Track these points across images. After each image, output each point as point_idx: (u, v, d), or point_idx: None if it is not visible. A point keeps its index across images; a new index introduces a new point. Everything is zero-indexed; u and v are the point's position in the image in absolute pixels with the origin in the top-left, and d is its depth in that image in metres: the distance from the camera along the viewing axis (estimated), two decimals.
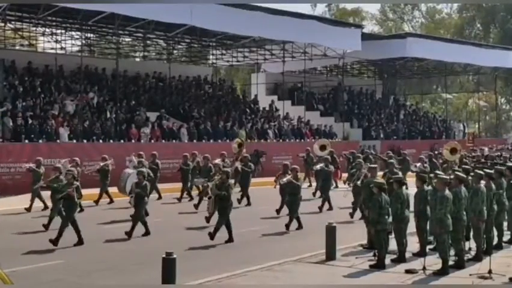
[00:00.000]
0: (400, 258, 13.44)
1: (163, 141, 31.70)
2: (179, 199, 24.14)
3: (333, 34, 37.98)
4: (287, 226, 17.78)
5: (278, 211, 20.18)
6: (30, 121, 27.74)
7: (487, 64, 50.46)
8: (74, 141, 28.43)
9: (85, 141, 28.65)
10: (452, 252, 13.06)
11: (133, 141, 30.37)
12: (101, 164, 23.04)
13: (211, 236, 15.56)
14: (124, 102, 33.37)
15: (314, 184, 26.68)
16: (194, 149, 28.66)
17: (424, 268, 12.49)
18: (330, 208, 21.99)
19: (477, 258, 13.36)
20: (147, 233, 16.52)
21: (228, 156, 25.09)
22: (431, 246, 13.90)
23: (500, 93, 69.13)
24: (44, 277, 12.29)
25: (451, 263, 12.78)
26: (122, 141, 29.94)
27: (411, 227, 13.98)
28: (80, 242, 15.17)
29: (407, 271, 12.60)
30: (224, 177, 16.15)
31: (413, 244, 13.98)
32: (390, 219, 13.28)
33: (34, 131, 27.37)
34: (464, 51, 46.68)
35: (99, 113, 31.52)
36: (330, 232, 13.89)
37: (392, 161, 21.59)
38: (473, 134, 44.19)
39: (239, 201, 23.01)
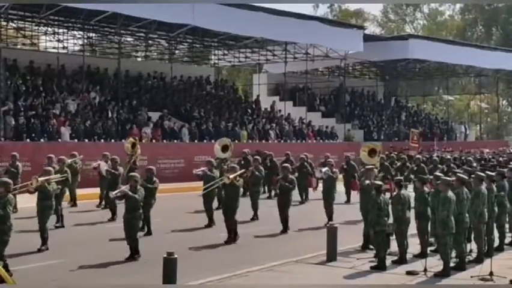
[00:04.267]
0: (401, 260, 13.44)
1: (164, 141, 31.69)
2: None
3: (335, 35, 38.02)
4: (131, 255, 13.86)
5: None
6: (32, 120, 27.76)
7: (489, 66, 50.47)
8: (76, 140, 28.43)
9: (86, 140, 28.65)
10: (453, 254, 13.06)
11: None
12: None
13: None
14: (125, 102, 33.38)
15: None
16: (196, 150, 28.69)
17: (425, 270, 12.48)
18: (210, 224, 18.20)
19: (478, 260, 13.35)
20: None
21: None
22: (432, 248, 13.89)
23: (501, 95, 69.18)
24: (44, 276, 12.29)
25: (452, 264, 12.77)
26: (123, 141, 29.87)
27: (412, 228, 13.99)
28: None
29: (408, 272, 12.59)
30: (1, 190, 12.04)
31: (414, 245, 13.97)
32: (390, 221, 13.29)
33: (36, 130, 27.39)
34: (466, 53, 46.71)
35: (101, 112, 31.54)
36: (331, 233, 13.89)
37: (286, 165, 18.91)
38: (419, 133, 37.00)
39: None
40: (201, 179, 18.41)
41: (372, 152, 20.11)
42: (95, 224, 18.18)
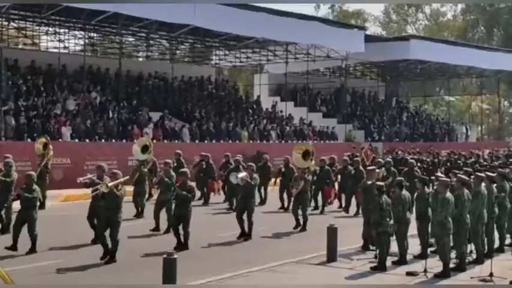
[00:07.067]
0: (401, 261, 13.44)
1: (165, 141, 31.68)
2: None
3: (336, 36, 38.00)
4: None
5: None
6: (32, 120, 27.78)
7: (490, 67, 50.44)
8: (77, 140, 28.46)
9: (87, 140, 28.66)
10: (453, 254, 13.05)
11: (135, 141, 30.32)
12: None
13: None
14: (126, 102, 33.38)
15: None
16: (196, 150, 28.62)
17: (425, 270, 12.48)
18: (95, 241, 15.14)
19: (478, 261, 13.35)
20: None
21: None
22: (432, 249, 13.88)
23: (503, 96, 69.13)
24: (44, 276, 12.28)
25: (452, 265, 12.77)
26: (124, 140, 29.93)
27: (413, 229, 13.98)
28: None
29: (408, 273, 12.59)
30: None
31: (414, 246, 13.97)
32: (391, 222, 13.28)
33: (37, 130, 27.38)
34: (467, 54, 46.66)
35: (101, 112, 31.55)
36: (332, 233, 13.88)
37: (184, 170, 16.20)
38: (371, 149, 31.91)
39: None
40: (87, 187, 15.15)
41: (306, 154, 18.72)
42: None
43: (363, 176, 21.20)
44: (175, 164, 22.05)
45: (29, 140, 26.85)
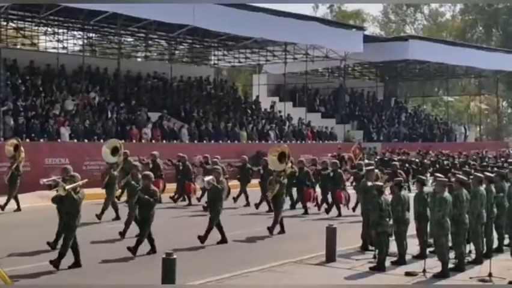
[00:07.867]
0: (400, 261, 13.45)
1: (164, 141, 31.67)
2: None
3: (335, 36, 38.02)
4: None
5: None
6: (31, 120, 27.76)
7: (489, 67, 50.52)
8: (75, 140, 28.43)
9: (86, 140, 28.65)
10: (452, 254, 13.06)
11: (134, 141, 30.33)
12: None
13: None
14: (125, 102, 33.37)
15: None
16: (195, 150, 28.65)
17: (424, 270, 12.49)
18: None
19: (477, 261, 13.36)
20: None
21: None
22: (431, 249, 13.90)
23: (501, 96, 69.22)
24: (43, 277, 12.28)
25: (451, 265, 12.78)
26: (123, 141, 29.83)
27: (412, 229, 13.99)
28: None
29: (407, 273, 12.60)
30: None
31: (413, 246, 13.98)
32: (390, 222, 13.29)
33: (35, 130, 27.38)
34: (466, 54, 46.72)
35: (100, 112, 31.53)
36: (331, 233, 13.89)
37: (147, 173, 15.17)
38: (359, 148, 29.24)
39: None
40: (51, 189, 14.70)
41: (282, 157, 17.84)
42: (93, 225, 18.13)
43: (342, 178, 21.24)
44: (151, 166, 21.47)
45: (27, 140, 26.81)
